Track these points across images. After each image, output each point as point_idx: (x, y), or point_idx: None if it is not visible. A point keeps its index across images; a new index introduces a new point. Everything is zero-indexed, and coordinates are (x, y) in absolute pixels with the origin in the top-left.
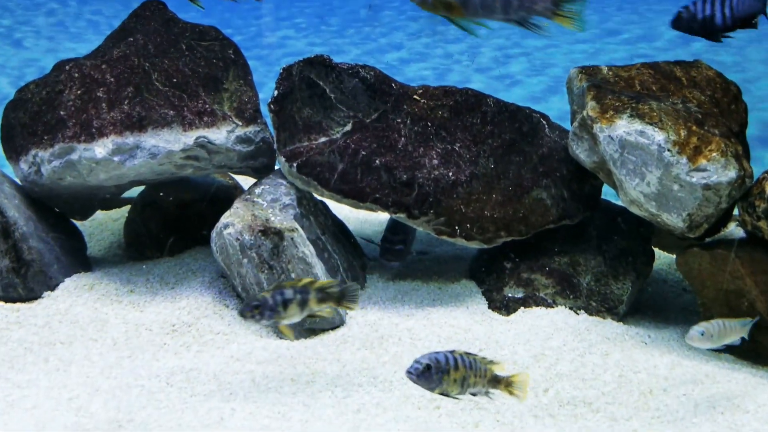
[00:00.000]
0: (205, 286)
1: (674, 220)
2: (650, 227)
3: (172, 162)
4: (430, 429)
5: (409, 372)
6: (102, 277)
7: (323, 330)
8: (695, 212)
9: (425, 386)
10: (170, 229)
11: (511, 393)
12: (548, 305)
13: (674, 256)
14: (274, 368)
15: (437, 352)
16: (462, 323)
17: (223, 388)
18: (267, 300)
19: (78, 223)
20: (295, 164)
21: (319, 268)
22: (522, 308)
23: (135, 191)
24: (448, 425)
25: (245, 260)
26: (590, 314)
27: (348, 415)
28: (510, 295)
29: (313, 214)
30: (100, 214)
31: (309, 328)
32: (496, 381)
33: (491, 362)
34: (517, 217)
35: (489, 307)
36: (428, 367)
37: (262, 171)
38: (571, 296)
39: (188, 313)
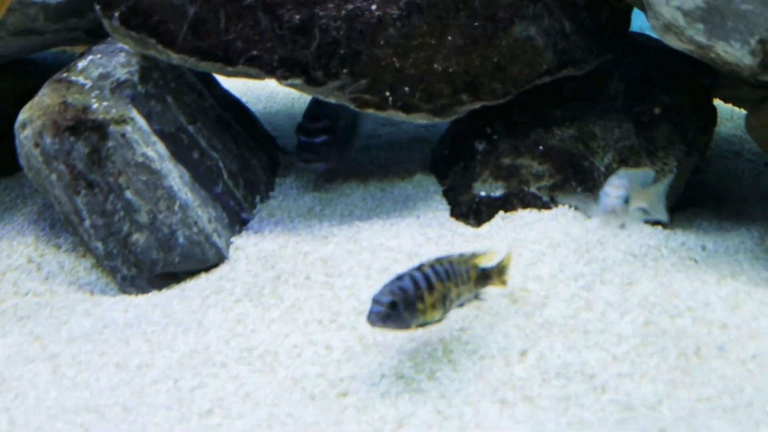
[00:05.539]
0: (32, 218)
1: (736, 52)
2: (711, 72)
3: None
4: (328, 428)
5: (369, 319)
6: None
7: (192, 273)
8: None
9: (397, 328)
10: (6, 135)
11: (504, 284)
12: (543, 206)
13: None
14: (91, 348)
15: (400, 278)
16: (406, 244)
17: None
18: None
19: None
20: (116, 14)
21: (173, 179)
22: (501, 213)
23: None
24: (363, 426)
25: (53, 176)
26: None
27: (191, 420)
28: (483, 193)
29: (173, 92)
30: None
31: (168, 272)
32: (486, 278)
33: (473, 256)
34: (488, 69)
35: (451, 215)
36: (393, 304)
37: (101, 37)
38: (580, 189)
39: None
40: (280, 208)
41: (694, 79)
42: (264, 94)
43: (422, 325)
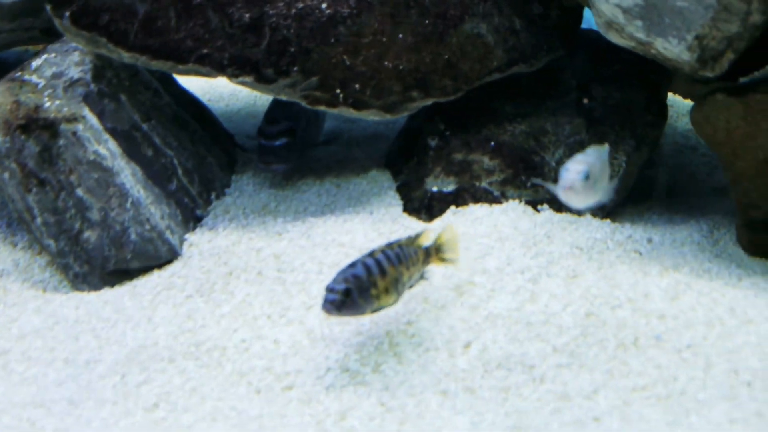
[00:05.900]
0: None
1: (675, 48)
2: (662, 68)
3: None
4: (271, 422)
5: (325, 307)
6: None
7: (145, 269)
8: (708, 32)
9: (352, 315)
10: None
11: (444, 261)
12: (494, 200)
13: None
14: (41, 344)
15: (352, 265)
16: (358, 240)
17: None
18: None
19: None
20: (67, 13)
21: (126, 176)
22: (453, 208)
23: None
24: (306, 419)
25: (6, 175)
26: (558, 210)
27: (137, 414)
28: (434, 189)
29: (127, 91)
30: None
31: (120, 269)
32: (429, 256)
33: (418, 236)
34: (439, 66)
35: (404, 210)
36: (347, 291)
37: (58, 36)
38: (530, 184)
39: None
40: (235, 205)
41: (645, 75)
42: (227, 92)
43: (377, 310)
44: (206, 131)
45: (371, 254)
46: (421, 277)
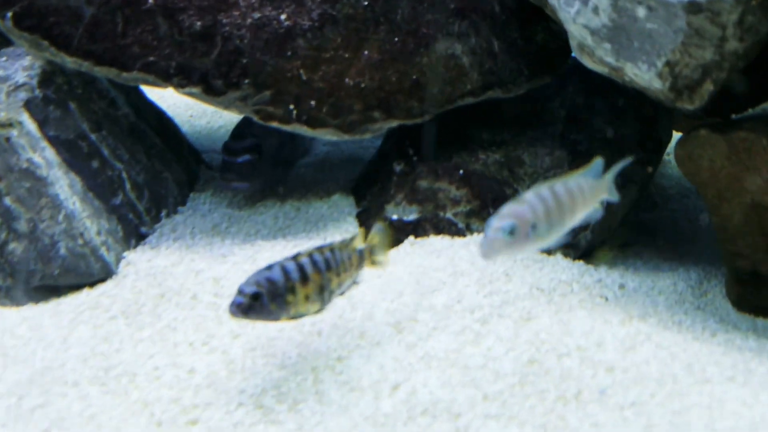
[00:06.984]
0: None
1: (645, 75)
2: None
3: None
4: None
5: (231, 310)
6: None
7: (76, 287)
8: (679, 59)
9: (263, 320)
10: None
11: (374, 264)
12: (458, 232)
13: None
14: None
15: (270, 267)
16: None
17: None
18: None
19: None
20: (9, 14)
21: (61, 187)
22: (411, 238)
23: None
24: None
25: None
26: None
27: None
28: (395, 217)
29: (77, 99)
30: None
31: (48, 285)
32: (362, 260)
33: (353, 239)
34: (406, 86)
35: None
36: (256, 295)
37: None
38: None
39: None
40: (184, 224)
41: (640, 109)
42: (210, 108)
43: (295, 317)
44: (167, 146)
45: (295, 257)
46: (354, 282)
